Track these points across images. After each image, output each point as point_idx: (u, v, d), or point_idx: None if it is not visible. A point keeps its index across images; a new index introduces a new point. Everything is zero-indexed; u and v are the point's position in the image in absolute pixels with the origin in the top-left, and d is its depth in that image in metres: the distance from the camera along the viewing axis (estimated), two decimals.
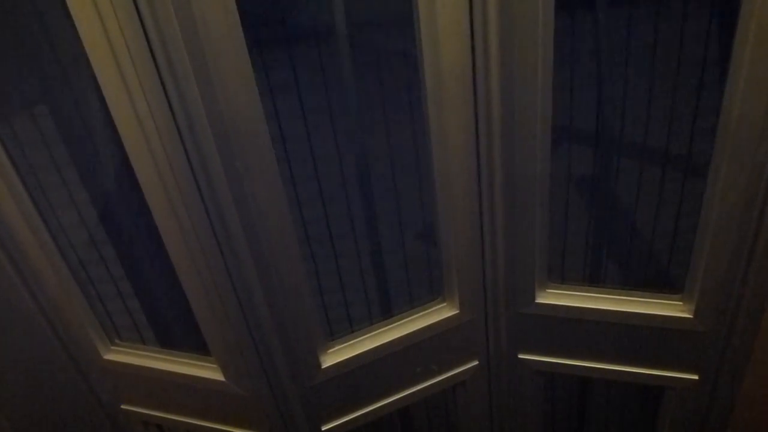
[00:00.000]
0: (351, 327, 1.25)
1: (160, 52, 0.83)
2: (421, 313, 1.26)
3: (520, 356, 1.34)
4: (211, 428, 1.39)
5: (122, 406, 1.44)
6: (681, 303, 1.17)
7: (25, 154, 1.09)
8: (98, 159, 1.19)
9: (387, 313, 1.26)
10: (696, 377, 1.25)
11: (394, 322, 1.25)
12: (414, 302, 1.25)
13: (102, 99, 0.87)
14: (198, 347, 1.24)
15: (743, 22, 0.87)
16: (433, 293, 1.26)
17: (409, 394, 1.35)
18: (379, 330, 1.25)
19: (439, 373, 1.34)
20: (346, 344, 1.24)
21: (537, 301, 1.23)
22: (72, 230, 1.21)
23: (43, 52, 1.06)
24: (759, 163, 0.96)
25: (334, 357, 1.24)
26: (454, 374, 1.36)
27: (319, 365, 1.23)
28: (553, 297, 1.23)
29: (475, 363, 1.36)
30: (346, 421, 1.34)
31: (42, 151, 1.15)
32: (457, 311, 1.25)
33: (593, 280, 1.24)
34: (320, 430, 1.33)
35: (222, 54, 0.84)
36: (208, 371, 1.26)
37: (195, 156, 0.93)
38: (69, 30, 0.81)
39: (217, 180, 0.96)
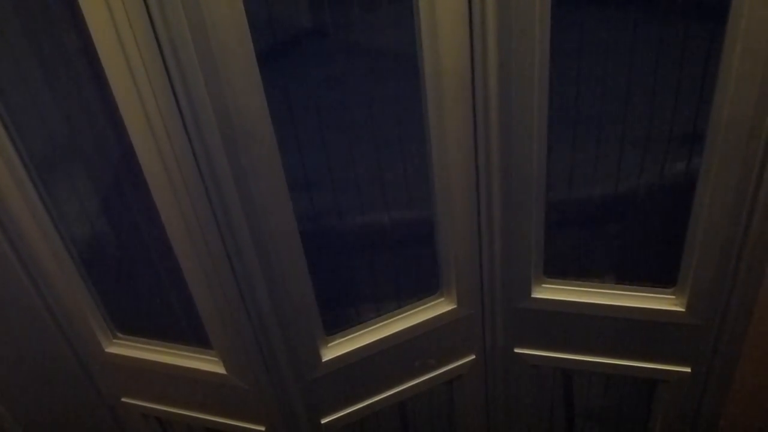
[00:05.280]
0: (351, 321, 1.26)
1: (169, 52, 0.85)
2: (419, 308, 1.27)
3: (516, 350, 1.36)
4: (212, 421, 1.40)
5: (123, 399, 1.45)
6: (673, 297, 1.19)
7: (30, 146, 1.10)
8: (103, 152, 1.20)
9: (386, 307, 1.27)
10: (688, 370, 1.27)
11: (394, 316, 1.27)
12: (412, 297, 1.28)
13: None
14: (200, 341, 1.26)
15: (732, 22, 0.89)
16: (431, 288, 1.28)
17: (408, 387, 1.37)
18: (379, 324, 1.27)
19: (437, 367, 1.36)
20: (346, 338, 1.26)
21: (533, 295, 1.25)
22: (76, 223, 1.22)
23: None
24: (749, 160, 0.99)
25: (334, 351, 1.25)
26: (452, 368, 1.37)
27: (320, 359, 1.24)
28: (548, 292, 1.25)
29: (472, 357, 1.38)
30: (346, 414, 1.36)
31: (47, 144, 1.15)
32: (455, 306, 1.27)
33: (588, 275, 1.26)
34: (320, 422, 1.35)
35: (229, 53, 0.85)
36: (210, 364, 1.27)
37: (201, 153, 0.94)
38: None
39: (223, 177, 0.97)
